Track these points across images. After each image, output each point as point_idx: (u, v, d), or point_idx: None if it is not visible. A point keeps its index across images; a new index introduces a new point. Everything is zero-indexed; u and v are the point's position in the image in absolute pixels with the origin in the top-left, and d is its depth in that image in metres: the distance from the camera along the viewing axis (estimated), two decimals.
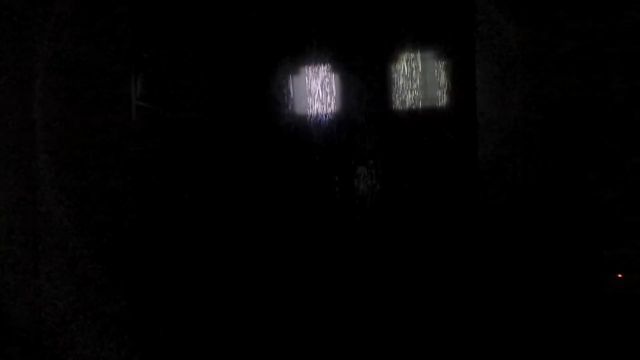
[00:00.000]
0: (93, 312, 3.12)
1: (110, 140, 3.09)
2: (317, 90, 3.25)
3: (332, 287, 3.27)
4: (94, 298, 3.12)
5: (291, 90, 3.26)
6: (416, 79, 3.23)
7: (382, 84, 3.26)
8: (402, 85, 3.23)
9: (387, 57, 3.26)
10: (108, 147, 3.10)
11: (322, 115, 3.26)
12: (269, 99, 3.25)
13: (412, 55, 3.24)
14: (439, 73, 3.24)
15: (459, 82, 3.21)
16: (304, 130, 3.26)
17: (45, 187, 3.11)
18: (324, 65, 3.26)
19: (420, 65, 3.24)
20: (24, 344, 3.13)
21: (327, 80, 3.26)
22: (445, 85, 3.23)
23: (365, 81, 3.24)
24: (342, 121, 3.26)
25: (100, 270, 3.09)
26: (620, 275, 2.79)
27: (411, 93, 3.23)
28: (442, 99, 3.22)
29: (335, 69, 3.25)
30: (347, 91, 3.25)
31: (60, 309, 3.14)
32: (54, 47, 3.03)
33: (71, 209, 3.08)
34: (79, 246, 3.07)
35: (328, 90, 3.26)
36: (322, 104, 3.26)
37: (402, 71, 3.24)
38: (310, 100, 3.26)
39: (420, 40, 3.22)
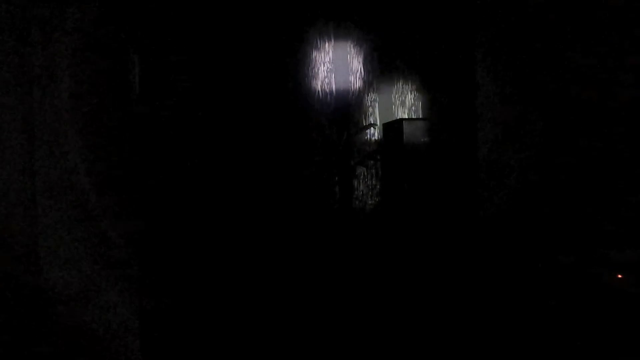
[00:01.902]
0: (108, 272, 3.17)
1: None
2: (317, 91, 3.26)
3: (332, 287, 3.26)
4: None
5: (291, 91, 3.27)
6: (416, 80, 3.23)
7: (382, 85, 3.27)
8: (402, 85, 3.23)
9: (387, 59, 3.27)
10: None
11: (322, 115, 3.27)
12: (268, 100, 3.26)
13: (412, 56, 3.24)
14: (439, 73, 3.24)
15: (459, 82, 3.22)
16: (304, 130, 3.27)
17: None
18: (324, 65, 3.27)
19: (420, 65, 3.24)
20: (29, 311, 3.17)
21: (327, 80, 3.27)
22: (445, 86, 3.23)
23: (366, 81, 3.25)
24: (342, 121, 3.27)
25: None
26: (620, 276, 2.76)
27: (411, 93, 3.23)
28: (441, 98, 3.22)
29: (335, 69, 3.26)
30: (347, 91, 3.26)
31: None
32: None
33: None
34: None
35: (328, 90, 3.27)
36: (322, 104, 3.27)
37: (402, 71, 3.25)
38: (310, 100, 3.27)
39: (421, 40, 3.23)
